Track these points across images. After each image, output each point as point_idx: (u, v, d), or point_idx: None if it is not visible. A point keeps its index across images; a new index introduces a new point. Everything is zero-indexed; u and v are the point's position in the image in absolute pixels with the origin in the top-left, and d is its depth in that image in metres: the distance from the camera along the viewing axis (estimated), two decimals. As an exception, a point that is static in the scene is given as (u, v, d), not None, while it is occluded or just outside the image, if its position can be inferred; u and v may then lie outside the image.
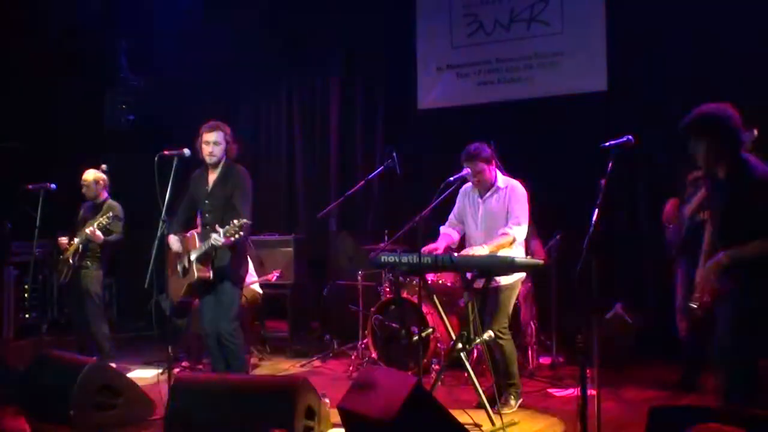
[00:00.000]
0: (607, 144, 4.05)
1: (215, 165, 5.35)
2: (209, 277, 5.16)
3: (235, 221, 4.89)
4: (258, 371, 6.88)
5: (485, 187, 5.31)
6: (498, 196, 5.28)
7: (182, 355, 7.03)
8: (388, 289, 6.80)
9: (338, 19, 8.92)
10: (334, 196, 8.16)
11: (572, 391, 5.65)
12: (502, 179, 5.33)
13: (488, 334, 5.24)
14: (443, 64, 8.29)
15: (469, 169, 5.23)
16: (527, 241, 5.57)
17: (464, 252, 5.14)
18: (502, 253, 5.07)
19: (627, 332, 6.69)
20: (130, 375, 5.59)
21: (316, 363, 7.13)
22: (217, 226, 5.03)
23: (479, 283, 5.12)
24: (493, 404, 4.99)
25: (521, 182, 5.37)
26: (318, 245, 8.54)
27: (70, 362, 5.24)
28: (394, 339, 6.38)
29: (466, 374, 5.23)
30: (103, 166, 7.04)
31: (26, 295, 8.74)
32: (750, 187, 3.73)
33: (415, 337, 5.34)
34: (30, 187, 6.49)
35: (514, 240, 5.13)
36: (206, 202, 5.35)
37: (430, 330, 5.85)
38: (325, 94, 9.02)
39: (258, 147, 9.42)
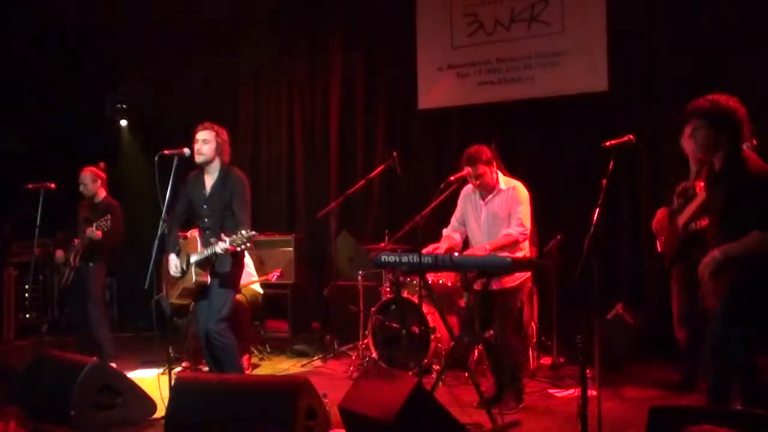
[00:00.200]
0: (608, 144, 4.05)
1: (204, 164, 5.27)
2: (207, 282, 5.14)
3: (243, 232, 4.84)
4: (258, 371, 6.88)
5: (487, 189, 5.30)
6: (500, 198, 5.27)
7: (183, 355, 7.02)
8: (388, 289, 6.80)
9: (338, 18, 8.92)
10: (335, 195, 8.16)
11: (573, 392, 5.64)
12: (504, 181, 5.32)
13: (489, 334, 5.25)
14: (443, 63, 8.28)
15: (470, 170, 5.23)
16: None
17: (466, 252, 5.14)
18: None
19: (627, 332, 6.68)
20: (130, 375, 5.59)
21: (317, 363, 7.13)
22: (223, 235, 4.97)
23: (479, 284, 5.12)
24: (493, 404, 4.99)
25: (522, 183, 5.37)
26: (318, 245, 8.54)
27: (70, 362, 5.23)
28: (394, 339, 6.38)
29: (466, 374, 5.22)
30: (102, 165, 7.02)
31: (26, 295, 8.75)
32: (743, 181, 3.75)
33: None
34: (30, 186, 6.48)
35: (516, 241, 5.13)
36: (204, 206, 5.29)
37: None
38: (326, 93, 9.01)
39: (258, 147, 9.42)
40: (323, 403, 4.56)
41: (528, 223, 5.21)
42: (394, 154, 6.56)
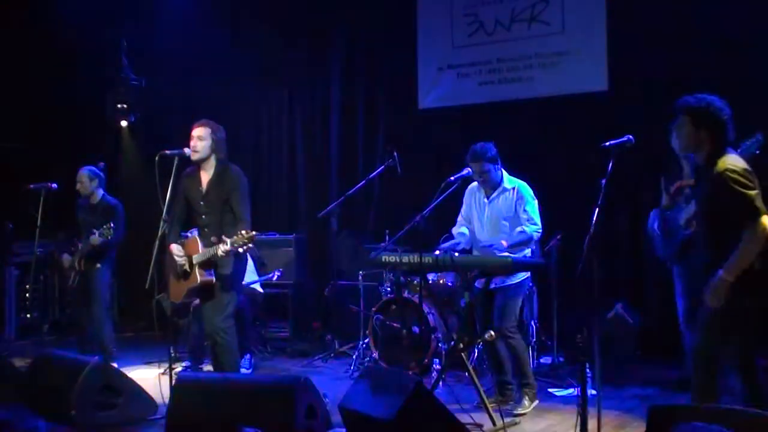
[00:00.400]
0: (608, 144, 4.05)
1: (200, 161, 5.26)
2: (212, 281, 5.14)
3: (244, 232, 4.82)
4: (259, 371, 6.88)
5: (491, 186, 5.29)
6: (504, 197, 5.26)
7: (183, 354, 7.03)
8: (389, 289, 6.80)
9: (339, 18, 8.93)
10: (335, 195, 8.16)
11: (573, 391, 5.65)
12: (508, 180, 5.31)
13: (489, 334, 5.25)
14: (444, 63, 8.28)
15: (470, 169, 5.23)
16: None
17: (485, 247, 5.09)
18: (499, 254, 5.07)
19: (627, 332, 6.70)
20: (131, 374, 5.59)
21: (318, 363, 7.13)
22: (224, 236, 4.95)
23: (480, 283, 5.13)
24: (495, 402, 5.00)
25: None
26: (319, 245, 8.54)
27: (71, 362, 5.24)
28: (395, 339, 6.38)
29: (467, 374, 5.23)
30: (100, 164, 7.02)
31: (27, 295, 8.76)
32: (716, 179, 3.77)
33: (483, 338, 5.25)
34: (31, 186, 6.49)
35: (531, 239, 5.13)
36: (201, 203, 5.28)
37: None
38: (326, 93, 9.02)
39: (259, 147, 9.42)
40: (324, 402, 4.56)
41: (539, 220, 5.21)
42: (395, 154, 6.55)
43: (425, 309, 6.33)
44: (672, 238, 5.52)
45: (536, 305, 6.70)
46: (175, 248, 5.22)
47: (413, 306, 6.36)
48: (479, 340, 5.18)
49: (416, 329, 6.24)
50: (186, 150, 5.18)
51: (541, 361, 6.70)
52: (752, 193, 3.70)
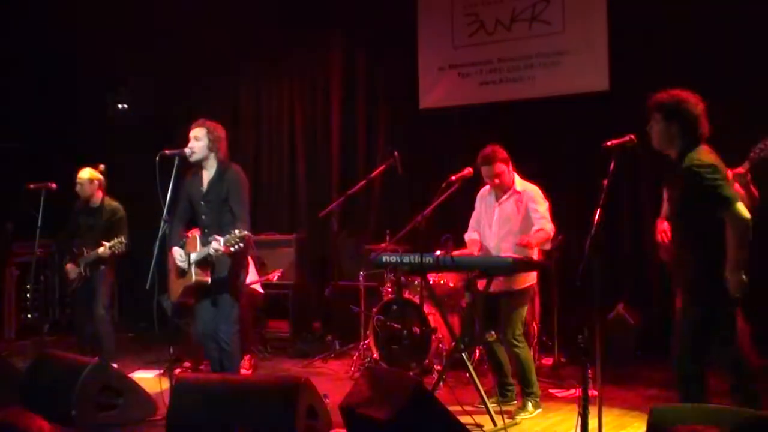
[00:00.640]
0: (609, 143, 4.05)
1: (199, 161, 5.25)
2: (208, 281, 5.12)
3: (236, 231, 4.80)
4: (259, 371, 6.87)
5: (503, 189, 5.25)
6: (515, 199, 5.22)
7: (183, 355, 7.03)
8: (389, 290, 6.80)
9: (339, 18, 8.92)
10: (336, 195, 8.16)
11: (574, 392, 5.64)
12: (519, 183, 5.28)
13: (489, 334, 5.24)
14: (445, 63, 8.28)
15: (471, 169, 5.22)
16: None
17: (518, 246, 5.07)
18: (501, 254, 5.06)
19: (629, 332, 6.69)
20: (131, 375, 5.59)
21: (318, 363, 7.13)
22: (216, 235, 4.93)
23: (482, 284, 5.11)
24: (495, 402, 5.00)
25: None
26: (319, 245, 8.55)
27: (71, 362, 5.24)
28: (395, 339, 6.38)
29: (467, 374, 5.22)
30: (101, 167, 6.99)
31: (28, 295, 8.76)
32: (685, 171, 3.78)
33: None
34: (31, 187, 6.48)
35: (550, 238, 5.10)
36: (202, 203, 5.27)
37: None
38: (327, 93, 9.02)
39: (260, 147, 9.42)
40: (324, 403, 4.56)
41: (550, 220, 5.18)
42: (395, 154, 6.55)
43: (426, 309, 6.33)
44: None
45: (537, 305, 6.69)
46: (176, 251, 5.21)
47: (414, 306, 6.35)
48: (480, 341, 5.17)
49: (417, 330, 6.23)
50: (186, 150, 5.18)
51: (543, 361, 6.69)
52: (719, 183, 3.71)
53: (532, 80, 7.77)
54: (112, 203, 6.76)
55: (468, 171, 5.22)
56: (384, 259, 5.29)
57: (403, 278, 6.52)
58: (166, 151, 5.07)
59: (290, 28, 9.16)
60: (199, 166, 5.31)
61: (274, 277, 7.49)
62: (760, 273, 5.69)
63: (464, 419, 4.40)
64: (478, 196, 5.47)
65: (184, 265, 5.15)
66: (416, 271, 5.48)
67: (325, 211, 7.02)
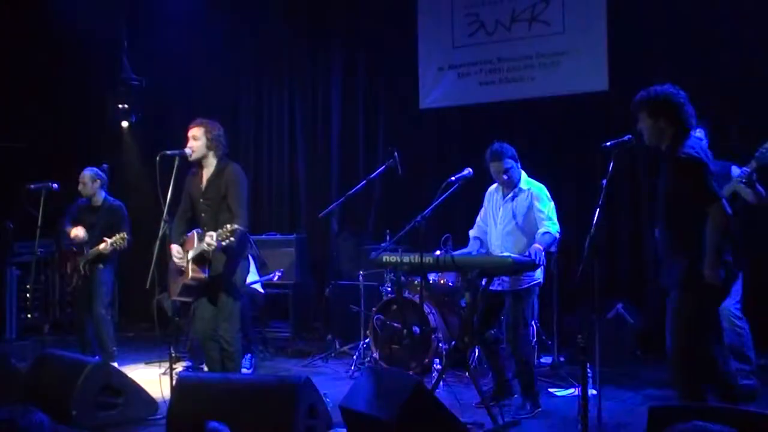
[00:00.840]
0: (609, 143, 4.06)
1: (198, 160, 5.28)
2: (204, 278, 5.13)
3: (227, 226, 4.83)
4: (260, 371, 6.88)
5: (511, 186, 5.24)
6: (520, 197, 5.21)
7: (184, 354, 7.04)
8: (389, 289, 6.80)
9: (339, 18, 8.93)
10: (336, 196, 8.16)
11: (573, 391, 5.65)
12: (525, 181, 5.27)
13: (489, 334, 5.25)
14: (445, 63, 8.29)
15: (470, 170, 5.22)
16: None
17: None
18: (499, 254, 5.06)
19: (627, 332, 6.70)
20: (131, 375, 5.59)
21: (318, 363, 7.13)
22: (210, 231, 4.96)
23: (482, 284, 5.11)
24: (494, 402, 5.00)
25: None
26: (320, 245, 8.55)
27: (72, 362, 5.24)
28: (395, 339, 6.38)
29: (467, 374, 5.23)
30: (104, 166, 7.01)
31: (28, 295, 8.76)
32: (674, 163, 3.79)
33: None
34: (32, 186, 6.49)
35: (556, 240, 5.09)
36: (201, 201, 5.30)
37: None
38: (327, 94, 9.02)
39: (260, 147, 9.42)
40: (324, 402, 4.57)
41: (556, 222, 5.16)
42: (395, 154, 6.56)
43: (426, 309, 6.33)
44: None
45: (537, 305, 6.69)
46: (175, 249, 5.23)
47: (414, 306, 6.36)
48: (479, 341, 5.17)
49: (417, 329, 6.23)
50: (186, 150, 5.20)
51: (542, 360, 6.69)
52: (705, 178, 3.74)
53: (531, 80, 7.78)
54: (114, 202, 6.78)
55: (468, 171, 5.22)
56: (384, 259, 5.29)
57: (403, 278, 6.52)
58: (167, 152, 5.10)
59: (290, 28, 9.17)
60: (198, 165, 5.34)
61: (275, 277, 7.50)
62: (762, 273, 5.76)
63: (464, 418, 4.41)
64: (487, 193, 5.47)
65: (182, 262, 5.17)
66: (416, 271, 5.49)
67: (325, 211, 7.02)
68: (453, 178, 5.16)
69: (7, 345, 7.97)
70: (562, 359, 6.64)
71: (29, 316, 8.81)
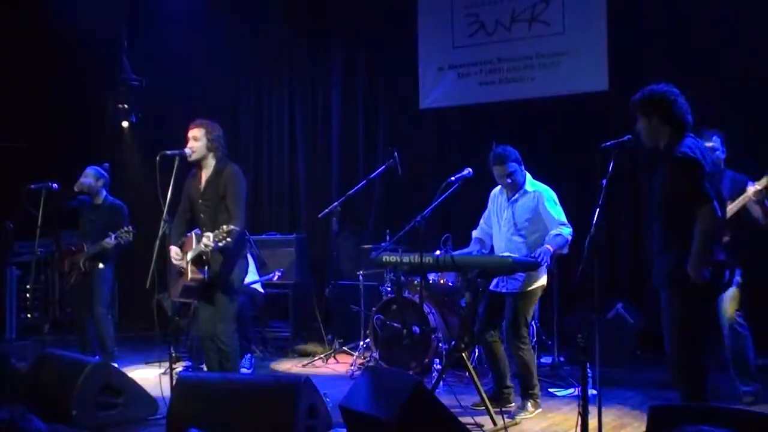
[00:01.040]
0: (608, 144, 4.06)
1: (198, 161, 5.29)
2: (202, 279, 5.13)
3: (224, 227, 4.86)
4: (259, 371, 6.88)
5: (515, 188, 5.22)
6: (525, 199, 5.18)
7: (184, 354, 7.04)
8: (389, 289, 6.80)
9: (339, 18, 8.93)
10: (336, 195, 8.16)
11: (573, 391, 5.65)
12: (531, 183, 5.24)
13: (489, 334, 5.24)
14: (445, 64, 8.29)
15: (470, 170, 5.22)
16: None
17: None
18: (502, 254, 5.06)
19: (627, 332, 6.70)
20: (131, 374, 5.59)
21: (318, 363, 7.13)
22: (207, 232, 4.98)
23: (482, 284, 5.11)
24: (494, 403, 5.00)
25: None
26: (320, 245, 8.55)
27: (72, 362, 5.24)
28: (395, 339, 6.39)
29: (467, 374, 5.23)
30: (106, 165, 7.01)
31: (28, 295, 8.75)
32: (670, 163, 3.80)
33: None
34: (32, 186, 6.48)
35: (568, 241, 5.05)
36: (200, 202, 5.31)
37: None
38: (327, 94, 9.02)
39: (260, 147, 9.42)
40: (324, 402, 4.57)
41: (568, 225, 5.12)
42: (395, 154, 6.56)
43: (426, 309, 6.33)
44: None
45: (537, 305, 6.70)
46: (174, 251, 5.24)
47: (414, 306, 6.36)
48: (479, 341, 5.16)
49: (417, 329, 6.23)
50: (186, 150, 5.21)
51: (542, 360, 6.69)
52: (699, 179, 3.75)
53: (531, 81, 7.78)
54: (116, 201, 6.79)
55: (468, 171, 5.22)
56: (384, 259, 5.29)
57: (402, 278, 6.53)
58: (167, 152, 5.10)
59: (290, 28, 9.17)
60: (198, 165, 5.35)
61: (275, 276, 7.50)
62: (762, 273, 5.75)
63: (464, 419, 4.41)
64: (491, 196, 5.45)
65: (181, 264, 5.18)
66: (416, 271, 5.49)
67: (325, 211, 7.03)
68: (453, 178, 5.16)
69: (7, 345, 7.96)
70: (562, 359, 6.64)
71: (29, 315, 8.81)
